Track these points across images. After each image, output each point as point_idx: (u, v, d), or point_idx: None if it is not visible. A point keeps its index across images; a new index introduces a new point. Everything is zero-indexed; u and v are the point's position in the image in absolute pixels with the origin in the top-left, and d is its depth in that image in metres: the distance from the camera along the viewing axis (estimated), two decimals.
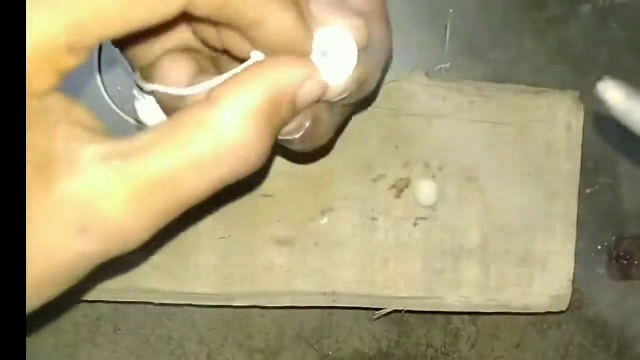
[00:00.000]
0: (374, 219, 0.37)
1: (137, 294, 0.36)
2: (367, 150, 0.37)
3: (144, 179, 0.20)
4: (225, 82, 0.22)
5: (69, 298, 0.34)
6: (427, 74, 0.37)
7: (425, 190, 0.37)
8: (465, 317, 0.40)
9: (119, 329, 0.39)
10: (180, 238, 0.36)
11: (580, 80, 0.39)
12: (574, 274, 0.38)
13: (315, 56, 0.23)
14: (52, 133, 0.20)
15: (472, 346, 0.40)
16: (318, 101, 0.24)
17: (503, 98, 0.37)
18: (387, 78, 0.38)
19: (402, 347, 0.39)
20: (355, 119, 0.36)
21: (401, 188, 0.37)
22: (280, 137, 0.25)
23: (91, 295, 0.36)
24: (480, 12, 0.39)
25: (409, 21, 0.38)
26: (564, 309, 0.38)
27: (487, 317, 0.39)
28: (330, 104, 0.26)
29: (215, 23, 0.23)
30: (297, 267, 0.36)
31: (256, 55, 0.23)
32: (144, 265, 0.36)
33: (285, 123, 0.23)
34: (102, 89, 0.26)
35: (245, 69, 0.22)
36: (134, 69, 0.27)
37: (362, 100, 0.28)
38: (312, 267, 0.36)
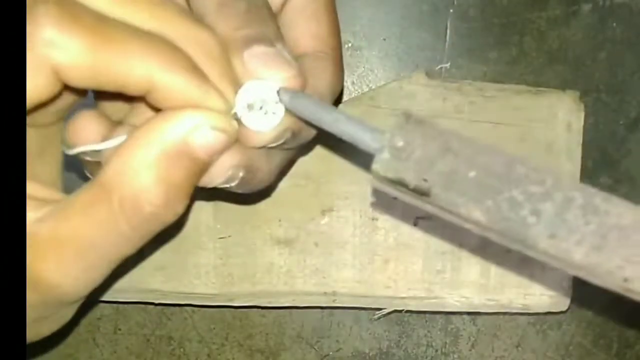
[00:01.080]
0: (374, 219, 0.37)
1: (137, 294, 0.36)
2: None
3: (57, 238, 0.22)
4: (123, 143, 0.23)
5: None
6: (427, 74, 0.37)
7: None
8: (465, 317, 0.40)
9: (119, 329, 0.39)
10: (181, 238, 0.36)
11: (580, 80, 0.39)
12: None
13: (239, 109, 0.24)
14: None
15: (472, 346, 0.40)
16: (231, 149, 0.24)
17: (503, 98, 0.37)
18: (388, 77, 0.38)
19: (402, 347, 0.39)
20: None
21: None
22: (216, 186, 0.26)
23: (91, 296, 0.36)
24: (480, 12, 0.38)
25: (409, 21, 0.38)
26: (564, 308, 0.38)
27: (487, 317, 0.39)
28: (266, 151, 0.26)
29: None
30: (297, 267, 0.36)
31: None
32: (144, 265, 0.36)
33: (194, 174, 0.23)
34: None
35: (139, 128, 0.23)
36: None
37: (305, 144, 0.28)
38: (312, 267, 0.36)
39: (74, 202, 0.22)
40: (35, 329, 0.25)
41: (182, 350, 0.39)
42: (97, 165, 0.25)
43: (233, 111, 0.24)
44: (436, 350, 0.40)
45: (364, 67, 0.38)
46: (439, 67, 0.39)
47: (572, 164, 0.38)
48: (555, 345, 0.40)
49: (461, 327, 0.40)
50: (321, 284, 0.36)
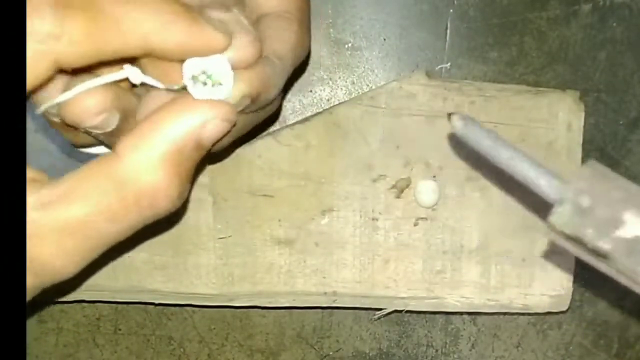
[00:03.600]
0: (374, 219, 0.37)
1: (137, 294, 0.36)
2: (367, 150, 0.36)
3: (60, 224, 0.22)
4: (130, 133, 0.23)
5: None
6: (428, 74, 0.37)
7: (426, 190, 0.37)
8: (466, 317, 0.40)
9: (119, 329, 0.39)
10: (181, 238, 0.36)
11: (580, 80, 0.39)
12: (575, 273, 0.38)
13: (186, 81, 0.24)
14: None
15: (473, 346, 0.40)
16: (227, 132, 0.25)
17: (503, 98, 0.37)
18: (388, 77, 0.38)
19: (402, 347, 0.39)
20: (355, 119, 0.36)
21: (401, 188, 0.37)
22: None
23: (91, 295, 0.36)
24: (480, 12, 0.38)
25: (409, 21, 0.38)
26: (565, 309, 0.38)
27: (487, 317, 0.39)
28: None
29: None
30: (297, 267, 0.36)
31: (129, 70, 0.24)
32: (144, 265, 0.36)
33: (195, 162, 0.24)
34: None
35: (147, 118, 0.23)
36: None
37: (268, 103, 0.28)
38: (312, 267, 0.36)
39: (77, 189, 0.22)
40: None
41: (182, 350, 0.39)
42: (62, 124, 0.25)
43: (179, 86, 0.24)
44: (436, 351, 0.40)
45: (364, 67, 0.38)
46: (439, 67, 0.39)
47: (572, 164, 0.38)
48: (556, 345, 0.40)
49: (461, 327, 0.40)
50: (321, 284, 0.36)
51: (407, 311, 0.37)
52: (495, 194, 0.37)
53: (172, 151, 0.23)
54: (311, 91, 0.38)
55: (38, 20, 0.20)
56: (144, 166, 0.22)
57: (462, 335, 0.40)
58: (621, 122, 0.40)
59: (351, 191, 0.37)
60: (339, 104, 0.37)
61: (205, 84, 0.24)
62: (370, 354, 0.39)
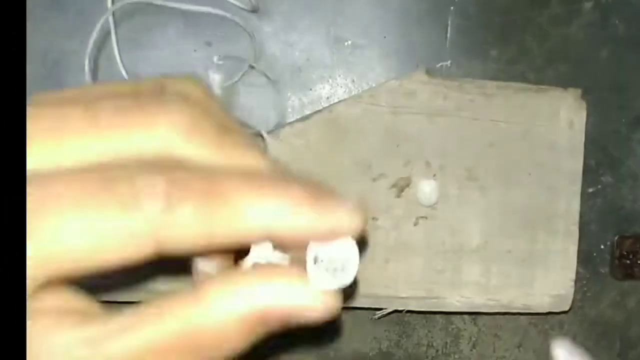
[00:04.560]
0: (374, 218, 0.37)
1: (137, 294, 0.36)
2: (367, 149, 0.36)
3: None
4: (218, 278, 0.20)
5: None
6: (428, 72, 0.37)
7: (426, 189, 0.36)
8: (466, 317, 0.39)
9: None
10: None
11: (582, 78, 0.39)
12: (576, 273, 0.37)
13: (309, 262, 0.21)
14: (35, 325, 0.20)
15: (473, 346, 0.40)
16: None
17: (504, 96, 0.37)
18: (388, 75, 0.38)
19: (402, 347, 0.39)
20: (355, 117, 0.36)
21: (402, 187, 0.36)
22: None
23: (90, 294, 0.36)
24: (481, 10, 0.38)
25: (409, 18, 0.38)
26: (566, 308, 0.37)
27: (488, 317, 0.39)
28: None
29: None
30: None
31: (259, 251, 0.22)
32: (144, 265, 0.36)
33: (269, 333, 0.21)
34: None
35: (249, 270, 0.21)
36: None
37: None
38: None
39: (134, 333, 0.20)
40: None
41: None
42: None
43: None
44: (437, 351, 0.39)
45: (364, 65, 0.38)
46: (439, 65, 0.38)
47: (574, 163, 0.38)
48: None
49: (462, 327, 0.39)
50: None
51: (408, 311, 0.37)
52: (496, 193, 0.37)
53: (258, 315, 0.20)
54: (311, 89, 0.38)
55: (148, 199, 0.19)
56: (224, 319, 0.20)
57: (462, 335, 0.39)
58: (623, 121, 0.39)
59: (351, 190, 0.36)
60: (339, 102, 0.37)
61: (327, 269, 0.21)
62: (370, 354, 0.39)
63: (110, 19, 0.36)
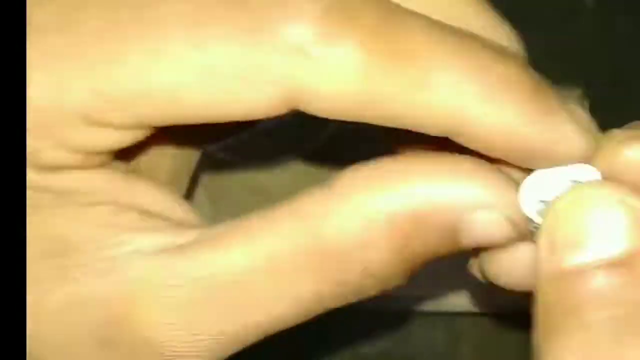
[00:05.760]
0: None
1: None
2: (367, 149, 0.36)
3: (199, 280, 0.15)
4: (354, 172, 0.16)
5: None
6: None
7: None
8: (468, 317, 0.39)
9: None
10: None
11: (584, 75, 0.39)
12: None
13: (528, 204, 0.17)
14: (74, 216, 0.16)
15: (475, 347, 0.40)
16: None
17: None
18: None
19: (402, 347, 0.39)
20: None
21: None
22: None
23: None
24: None
25: None
26: None
27: (489, 317, 0.39)
28: None
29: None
30: None
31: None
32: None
33: (428, 252, 0.16)
34: None
35: (393, 160, 0.16)
36: None
37: None
38: None
39: (240, 247, 0.15)
40: None
41: None
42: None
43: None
44: (437, 351, 0.39)
45: None
46: None
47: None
48: None
49: (463, 328, 0.39)
50: None
51: (408, 311, 0.37)
52: None
53: (409, 216, 0.15)
54: None
55: (292, 25, 0.13)
56: (362, 218, 0.15)
57: (464, 336, 0.39)
58: (626, 119, 0.39)
59: None
60: None
61: (540, 200, 0.17)
62: (370, 354, 0.39)
63: None
